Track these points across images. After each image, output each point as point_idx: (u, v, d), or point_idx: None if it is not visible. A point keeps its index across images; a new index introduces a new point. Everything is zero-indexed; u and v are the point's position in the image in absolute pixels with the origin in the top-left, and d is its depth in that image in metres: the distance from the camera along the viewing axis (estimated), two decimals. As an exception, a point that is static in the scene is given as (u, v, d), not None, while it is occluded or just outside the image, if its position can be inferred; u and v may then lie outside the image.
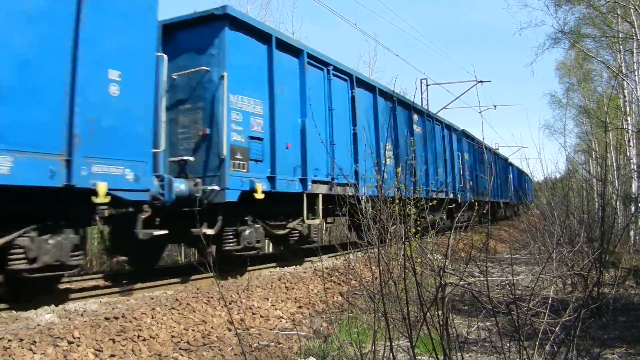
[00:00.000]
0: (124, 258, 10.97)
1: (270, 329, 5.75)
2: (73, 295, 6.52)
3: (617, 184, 13.01)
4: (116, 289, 7.09)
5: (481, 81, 26.60)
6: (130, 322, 5.03)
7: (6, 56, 5.01)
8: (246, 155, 7.93)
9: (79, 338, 4.46)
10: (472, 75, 33.63)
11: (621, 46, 15.71)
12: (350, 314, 5.86)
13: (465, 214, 10.68)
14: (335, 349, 4.68)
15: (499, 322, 3.80)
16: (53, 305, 5.76)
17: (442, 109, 27.60)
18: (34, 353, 4.11)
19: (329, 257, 10.19)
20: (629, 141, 14.51)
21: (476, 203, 11.67)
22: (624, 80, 14.92)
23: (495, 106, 35.17)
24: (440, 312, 3.44)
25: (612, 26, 15.28)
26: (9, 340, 4.16)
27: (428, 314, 3.37)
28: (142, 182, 6.26)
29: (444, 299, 3.42)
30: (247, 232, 8.13)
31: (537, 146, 50.64)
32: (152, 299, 6.19)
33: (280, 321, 6.14)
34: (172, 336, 5.06)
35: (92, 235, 13.59)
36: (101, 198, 5.65)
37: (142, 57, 6.37)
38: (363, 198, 6.77)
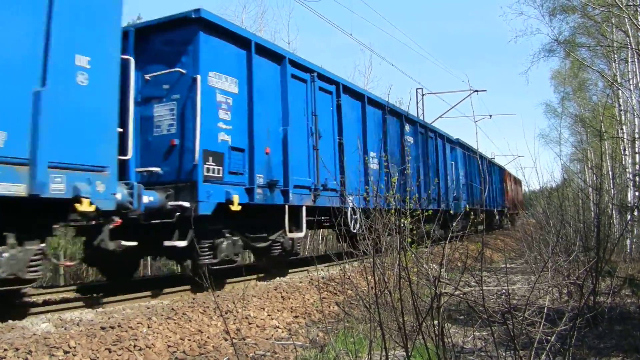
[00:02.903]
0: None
1: (267, 339, 5.75)
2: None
3: (612, 193, 13.04)
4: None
5: (476, 90, 26.64)
6: (126, 331, 5.02)
7: None
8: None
9: (74, 347, 4.46)
10: (467, 85, 33.86)
11: (616, 55, 15.81)
12: (346, 324, 5.85)
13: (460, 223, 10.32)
14: (331, 358, 4.68)
15: (495, 332, 3.80)
16: (49, 314, 5.75)
17: (437, 118, 27.72)
18: (30, 363, 4.11)
19: (325, 266, 10.18)
20: (624, 150, 14.59)
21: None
22: (618, 89, 15.02)
23: (490, 115, 35.47)
24: (436, 322, 3.45)
25: (607, 35, 15.36)
26: (5, 350, 4.16)
27: (424, 323, 3.38)
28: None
29: (439, 308, 3.43)
30: (224, 244, 7.77)
31: (533, 155, 50.56)
32: (148, 308, 6.17)
33: (277, 331, 6.13)
34: (169, 346, 5.05)
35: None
36: None
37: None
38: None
